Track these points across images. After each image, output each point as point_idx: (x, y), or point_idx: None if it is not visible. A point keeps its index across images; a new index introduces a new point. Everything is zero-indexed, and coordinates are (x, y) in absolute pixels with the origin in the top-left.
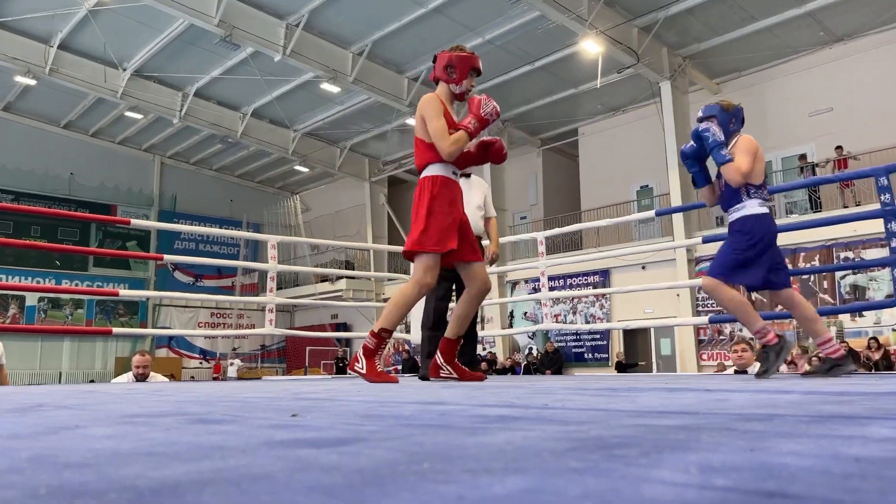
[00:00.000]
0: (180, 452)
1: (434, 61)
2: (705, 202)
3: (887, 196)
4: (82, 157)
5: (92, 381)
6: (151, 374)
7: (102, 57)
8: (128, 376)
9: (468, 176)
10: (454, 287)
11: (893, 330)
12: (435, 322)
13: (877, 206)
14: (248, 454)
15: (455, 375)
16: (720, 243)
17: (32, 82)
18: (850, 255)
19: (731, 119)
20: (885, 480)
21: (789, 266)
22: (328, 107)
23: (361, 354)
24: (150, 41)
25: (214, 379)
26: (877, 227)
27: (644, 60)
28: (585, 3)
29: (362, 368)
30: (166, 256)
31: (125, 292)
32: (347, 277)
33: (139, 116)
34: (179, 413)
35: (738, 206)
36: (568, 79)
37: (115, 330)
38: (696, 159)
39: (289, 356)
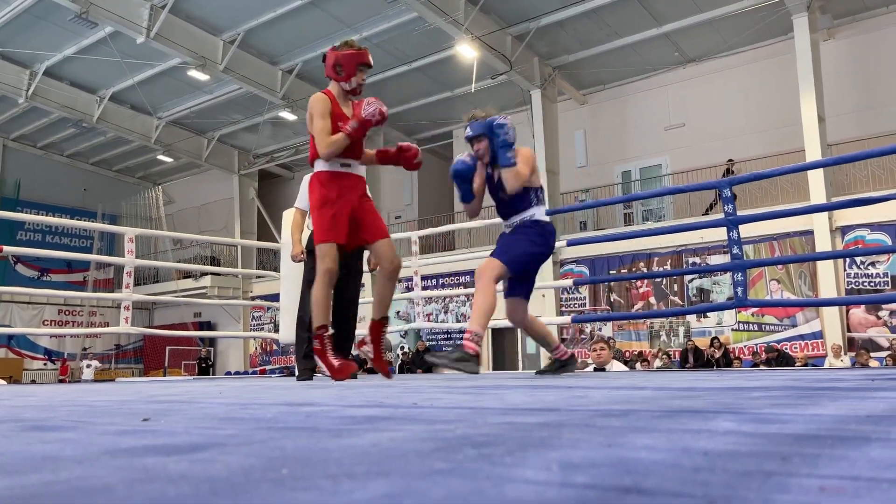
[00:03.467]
0: (4, 464)
1: (324, 60)
2: (470, 215)
3: (730, 207)
4: None
5: None
6: None
7: None
8: None
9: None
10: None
11: (733, 330)
12: (312, 321)
13: (721, 215)
14: (86, 464)
15: (371, 355)
16: (584, 246)
17: None
18: (698, 260)
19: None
20: (731, 473)
21: (644, 269)
22: (196, 95)
23: (319, 360)
24: None
25: (61, 381)
26: (721, 234)
27: (517, 68)
28: (462, 8)
29: (326, 371)
30: (6, 248)
31: None
32: (212, 274)
33: None
34: (12, 419)
35: (527, 209)
36: (444, 82)
37: None
38: (467, 179)
39: (147, 356)
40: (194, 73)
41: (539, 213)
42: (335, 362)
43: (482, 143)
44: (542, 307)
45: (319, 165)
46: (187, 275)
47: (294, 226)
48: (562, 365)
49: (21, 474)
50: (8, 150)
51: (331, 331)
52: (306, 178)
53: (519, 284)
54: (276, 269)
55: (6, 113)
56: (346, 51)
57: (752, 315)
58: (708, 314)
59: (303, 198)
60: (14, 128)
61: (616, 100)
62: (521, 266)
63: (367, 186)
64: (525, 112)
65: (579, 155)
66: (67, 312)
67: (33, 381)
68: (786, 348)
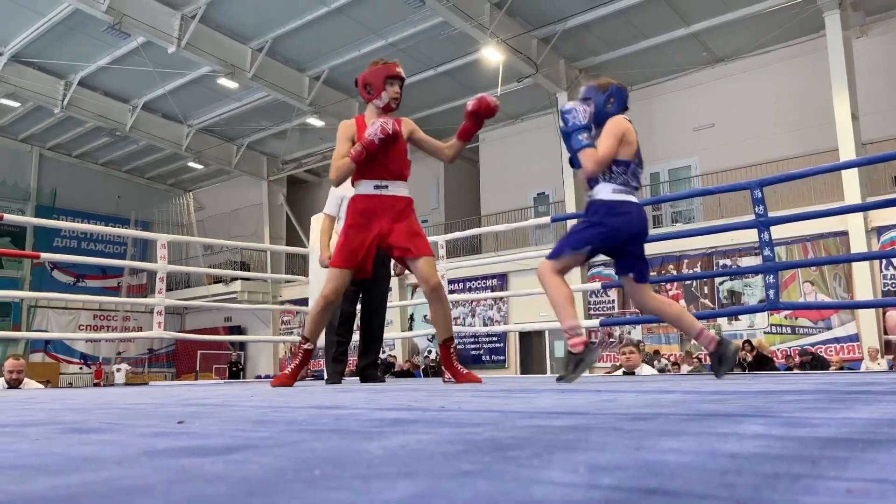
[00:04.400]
0: (48, 465)
1: (356, 85)
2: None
3: (761, 208)
4: None
5: None
6: (25, 380)
7: None
8: None
9: None
10: (361, 294)
11: (765, 333)
12: (339, 325)
13: (752, 216)
14: (125, 465)
15: (453, 379)
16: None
17: None
18: (728, 262)
19: (609, 99)
20: (759, 476)
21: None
22: (225, 102)
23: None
24: (31, 24)
25: (96, 385)
26: (752, 236)
27: (542, 71)
28: (487, 12)
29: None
30: (43, 254)
31: None
32: (242, 279)
33: (16, 104)
34: (52, 422)
35: (592, 188)
36: (469, 85)
37: None
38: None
39: (179, 360)
40: (223, 81)
41: (603, 190)
42: (291, 373)
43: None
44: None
45: (355, 189)
46: (218, 280)
47: (322, 231)
48: (576, 360)
49: (64, 475)
50: (44, 159)
51: (310, 346)
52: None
53: (617, 264)
54: (305, 273)
55: (42, 123)
56: (372, 68)
57: (786, 318)
58: (739, 317)
59: (331, 203)
60: (50, 137)
61: (644, 101)
62: (572, 247)
63: (411, 206)
64: (551, 115)
65: None
66: (102, 317)
67: (70, 385)
68: (820, 351)
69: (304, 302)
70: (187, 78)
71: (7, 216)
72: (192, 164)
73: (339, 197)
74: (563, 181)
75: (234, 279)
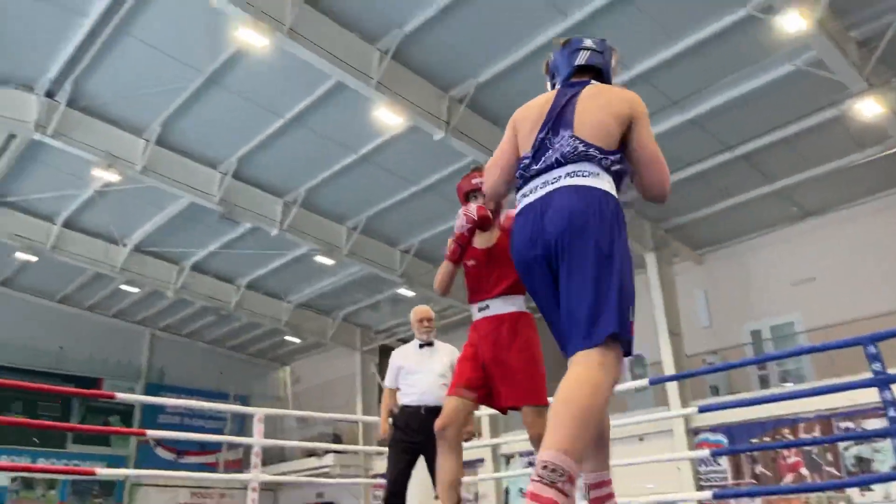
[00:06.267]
0: None
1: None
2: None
3: (878, 364)
4: (74, 331)
5: None
6: None
7: (104, 234)
8: None
9: (431, 344)
10: (426, 458)
11: None
12: (389, 496)
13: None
14: None
15: None
16: (717, 413)
17: (33, 259)
18: (851, 424)
19: (552, 75)
20: None
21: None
22: (321, 278)
23: None
24: (152, 218)
25: None
26: (874, 395)
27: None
28: None
29: None
30: (149, 432)
31: (102, 471)
32: (335, 452)
33: (135, 290)
34: None
35: None
36: None
37: None
38: None
39: None
40: (321, 259)
41: None
42: None
43: None
44: (679, 482)
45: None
46: (311, 454)
47: (383, 405)
48: None
49: None
50: (156, 339)
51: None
52: (393, 354)
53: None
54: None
55: (156, 306)
56: (460, 182)
57: None
58: (872, 486)
59: (389, 375)
60: (162, 318)
61: (735, 258)
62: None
63: (518, 323)
64: (640, 275)
65: (701, 315)
66: (200, 495)
67: None
68: None
69: None
70: (287, 257)
71: (118, 395)
72: (288, 338)
73: (396, 367)
74: (659, 342)
75: (327, 452)
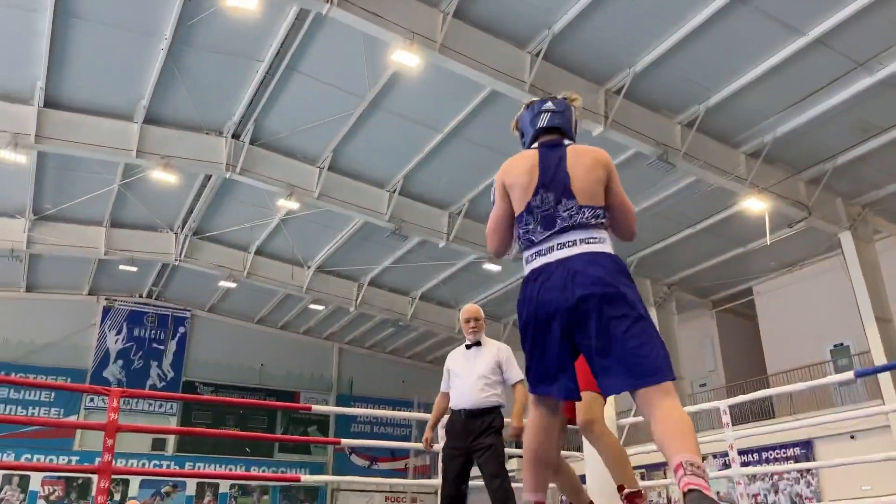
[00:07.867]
0: None
1: None
2: None
3: None
4: (271, 349)
5: None
6: None
7: (290, 258)
8: None
9: (478, 344)
10: (478, 464)
11: None
12: None
13: None
14: None
15: None
16: None
17: (233, 285)
18: None
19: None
20: None
21: None
22: (490, 285)
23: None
24: (331, 240)
25: None
26: None
27: (816, 213)
28: (743, 163)
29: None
30: (343, 440)
31: (307, 477)
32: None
33: (321, 308)
34: None
35: None
36: (734, 238)
37: None
38: None
39: None
40: (488, 266)
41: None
42: None
43: None
44: None
45: None
46: None
47: (435, 407)
48: None
49: None
50: (343, 352)
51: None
52: (449, 356)
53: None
54: (579, 448)
55: (341, 321)
56: None
57: None
58: None
59: (443, 380)
60: (346, 333)
61: None
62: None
63: None
64: (837, 257)
65: None
66: (393, 500)
67: None
68: None
69: (581, 479)
70: (456, 267)
71: (315, 407)
72: None
73: (446, 370)
74: (864, 329)
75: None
